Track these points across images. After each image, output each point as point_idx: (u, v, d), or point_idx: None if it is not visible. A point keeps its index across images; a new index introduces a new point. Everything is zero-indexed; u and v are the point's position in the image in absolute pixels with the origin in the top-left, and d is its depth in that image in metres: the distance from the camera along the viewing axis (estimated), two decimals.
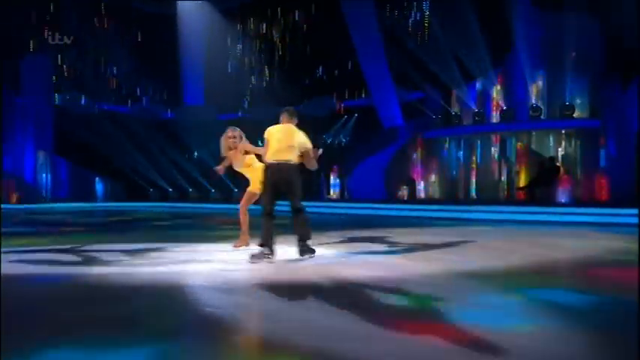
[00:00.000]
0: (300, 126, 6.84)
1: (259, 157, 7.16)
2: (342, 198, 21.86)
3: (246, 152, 7.48)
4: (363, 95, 26.39)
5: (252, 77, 29.10)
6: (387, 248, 7.79)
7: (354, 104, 26.82)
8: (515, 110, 20.26)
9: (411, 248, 7.80)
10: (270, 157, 6.46)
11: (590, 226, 11.94)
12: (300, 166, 6.65)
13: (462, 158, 21.21)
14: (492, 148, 20.74)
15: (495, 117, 21.04)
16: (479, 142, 20.99)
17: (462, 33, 20.56)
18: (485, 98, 21.38)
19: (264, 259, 6.22)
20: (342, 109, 27.00)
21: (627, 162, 17.94)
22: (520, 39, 19.94)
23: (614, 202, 16.89)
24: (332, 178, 22.41)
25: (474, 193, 20.58)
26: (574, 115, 19.29)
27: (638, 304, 4.26)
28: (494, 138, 20.68)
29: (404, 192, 20.17)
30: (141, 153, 26.97)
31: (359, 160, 22.52)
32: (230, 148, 7.50)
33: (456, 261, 6.59)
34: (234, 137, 7.53)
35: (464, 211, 15.63)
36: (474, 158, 20.90)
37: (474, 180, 20.66)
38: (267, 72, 28.82)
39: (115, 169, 26.84)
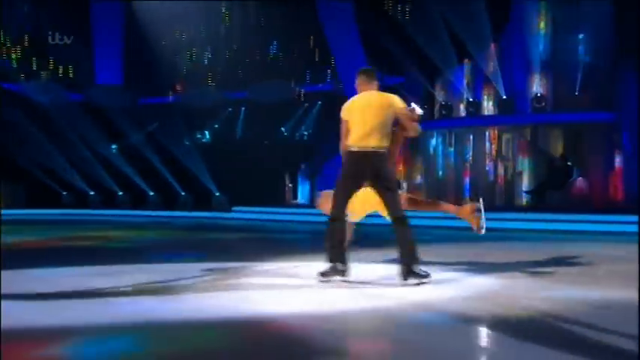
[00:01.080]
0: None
1: None
2: (312, 204, 18.22)
3: None
4: (329, 79, 22.53)
5: (189, 54, 24.35)
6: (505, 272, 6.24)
7: (317, 89, 22.82)
8: (514, 100, 17.44)
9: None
10: (353, 142, 5.43)
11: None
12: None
13: (452, 156, 18.15)
14: (488, 144, 17.85)
15: (488, 107, 18.13)
16: (472, 136, 18.04)
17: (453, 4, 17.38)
18: (477, 85, 18.37)
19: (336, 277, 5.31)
20: (302, 95, 22.91)
21: None
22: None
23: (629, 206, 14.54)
24: (299, 179, 18.63)
25: (467, 197, 17.64)
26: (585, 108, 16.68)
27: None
28: (492, 133, 17.79)
29: None
30: (50, 144, 21.62)
31: (329, 156, 18.97)
32: None
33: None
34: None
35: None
36: (466, 156, 17.91)
37: (467, 181, 17.70)
38: (208, 49, 24.18)
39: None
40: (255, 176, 17.87)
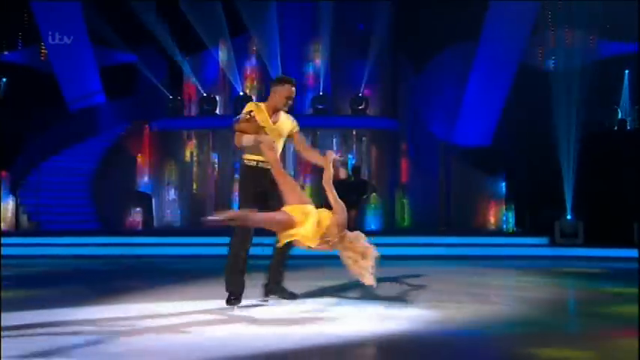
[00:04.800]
0: None
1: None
2: (16, 228, 12.72)
3: None
4: (20, 46, 16.80)
5: None
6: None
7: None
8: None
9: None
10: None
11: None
12: None
13: (216, 165, 14.57)
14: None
15: None
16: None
17: None
18: (232, 74, 15.17)
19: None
20: None
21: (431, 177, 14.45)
22: None
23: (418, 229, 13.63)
24: None
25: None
26: (367, 112, 14.71)
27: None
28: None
29: (135, 218, 12.57)
30: None
31: (35, 161, 13.82)
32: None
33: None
34: None
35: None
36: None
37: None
38: None
39: None
40: None
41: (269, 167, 4.96)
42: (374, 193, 13.87)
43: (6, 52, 17.59)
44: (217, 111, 14.93)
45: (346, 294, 5.82)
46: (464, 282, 7.09)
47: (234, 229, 5.07)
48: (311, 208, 4.72)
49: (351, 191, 13.37)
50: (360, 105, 14.70)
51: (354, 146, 14.86)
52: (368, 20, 15.38)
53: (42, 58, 16.98)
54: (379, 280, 4.70)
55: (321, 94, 14.65)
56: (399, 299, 5.59)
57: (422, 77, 15.30)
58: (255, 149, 5.02)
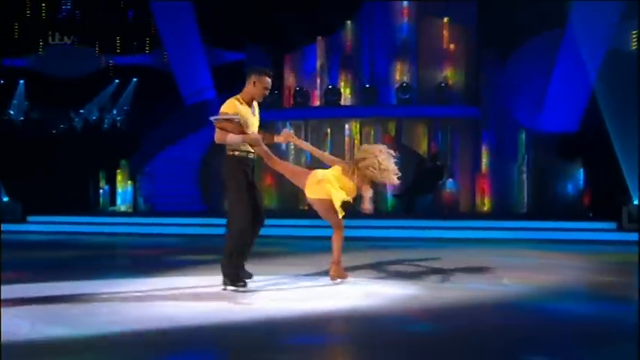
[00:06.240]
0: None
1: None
2: (135, 211, 14.99)
3: None
4: (148, 49, 19.09)
5: None
6: None
7: (131, 62, 19.22)
8: (377, 89, 15.70)
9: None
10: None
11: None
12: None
13: (307, 154, 15.89)
14: (348, 140, 15.91)
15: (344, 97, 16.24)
16: (329, 130, 15.97)
17: None
18: (332, 68, 16.36)
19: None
20: (112, 68, 19.10)
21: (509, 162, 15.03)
22: None
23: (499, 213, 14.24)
24: (119, 178, 15.22)
25: None
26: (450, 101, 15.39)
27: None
28: (352, 126, 15.87)
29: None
30: None
31: (154, 150, 15.90)
32: None
33: None
34: None
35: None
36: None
37: None
38: None
39: None
40: (56, 175, 14.20)
41: (253, 156, 5.50)
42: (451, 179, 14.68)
43: (136, 56, 20.12)
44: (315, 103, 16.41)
45: (358, 273, 6.51)
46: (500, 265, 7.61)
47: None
48: (320, 172, 5.72)
49: (428, 176, 14.37)
50: (444, 94, 15.44)
51: (437, 134, 15.67)
52: (453, 9, 16.07)
53: (164, 59, 19.28)
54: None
55: (404, 84, 15.54)
56: (402, 277, 6.41)
57: (507, 65, 15.69)
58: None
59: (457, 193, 14.90)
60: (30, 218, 13.09)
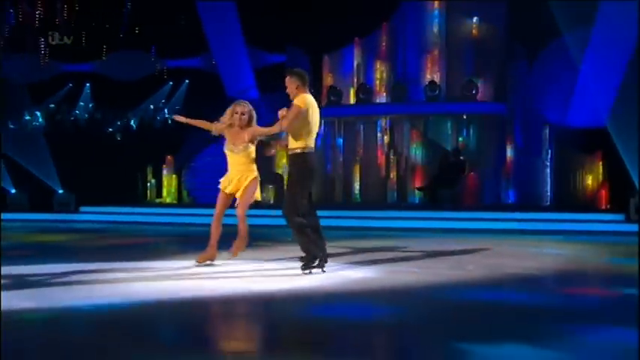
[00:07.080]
0: None
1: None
2: (179, 202, 16.39)
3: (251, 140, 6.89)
4: (199, 53, 20.47)
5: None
6: None
7: (182, 65, 20.64)
8: (407, 87, 16.42)
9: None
10: (311, 142, 6.33)
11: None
12: None
13: (341, 149, 16.86)
14: (379, 136, 16.70)
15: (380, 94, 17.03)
16: (362, 127, 16.82)
17: None
18: (367, 68, 17.18)
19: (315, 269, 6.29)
20: (166, 70, 20.59)
21: (536, 158, 15.61)
22: None
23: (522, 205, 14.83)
24: (165, 172, 16.67)
25: (357, 195, 16.49)
26: (477, 98, 15.88)
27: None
28: (384, 123, 16.66)
29: (268, 194, 15.39)
30: None
31: (199, 148, 17.20)
32: (232, 125, 6.97)
33: None
34: (244, 114, 6.98)
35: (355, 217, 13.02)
36: (357, 149, 16.66)
37: (357, 177, 16.46)
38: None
39: None
40: (108, 169, 15.77)
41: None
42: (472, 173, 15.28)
43: (188, 59, 21.58)
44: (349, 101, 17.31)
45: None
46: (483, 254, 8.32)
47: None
48: None
49: (450, 170, 15.05)
50: (472, 91, 16.01)
51: (464, 130, 16.27)
52: (483, 9, 16.60)
53: (212, 62, 20.63)
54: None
55: (432, 81, 16.19)
56: (362, 264, 7.08)
57: (535, 62, 16.09)
58: (300, 135, 6.18)
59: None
60: (82, 209, 14.71)
